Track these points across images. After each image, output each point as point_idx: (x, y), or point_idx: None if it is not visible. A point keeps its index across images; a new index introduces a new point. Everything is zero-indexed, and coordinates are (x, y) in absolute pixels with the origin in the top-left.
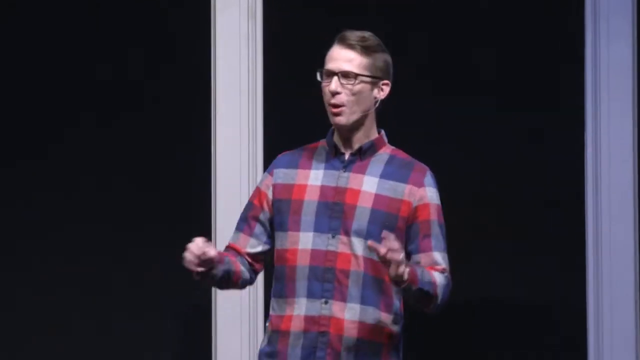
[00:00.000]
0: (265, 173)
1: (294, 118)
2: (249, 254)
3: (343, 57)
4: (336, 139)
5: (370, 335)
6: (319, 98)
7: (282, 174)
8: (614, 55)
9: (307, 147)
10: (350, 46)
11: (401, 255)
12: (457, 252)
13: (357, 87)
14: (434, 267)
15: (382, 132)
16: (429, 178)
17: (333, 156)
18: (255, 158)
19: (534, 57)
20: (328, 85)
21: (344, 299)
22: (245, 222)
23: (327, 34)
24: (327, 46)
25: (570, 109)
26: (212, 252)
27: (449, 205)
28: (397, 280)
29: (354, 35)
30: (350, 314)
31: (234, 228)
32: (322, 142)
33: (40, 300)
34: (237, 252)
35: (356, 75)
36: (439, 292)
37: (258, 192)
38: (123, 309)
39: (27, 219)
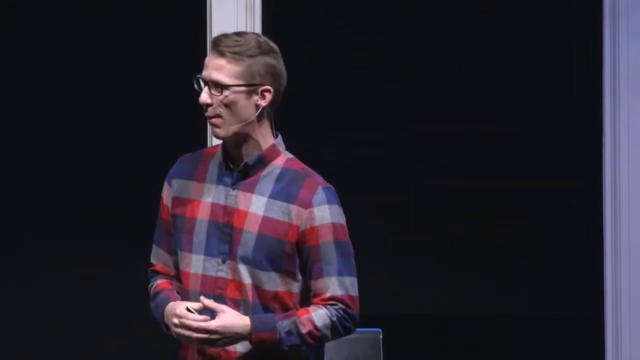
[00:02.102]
0: (165, 182)
1: (294, 114)
2: (175, 273)
3: (213, 65)
4: (227, 151)
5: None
6: (318, 95)
7: (178, 186)
8: (633, 54)
9: (205, 153)
10: (220, 53)
11: (214, 326)
12: (471, 264)
13: (229, 98)
14: (326, 302)
15: (277, 139)
16: (319, 196)
17: (224, 170)
18: None
19: (550, 57)
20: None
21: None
22: (162, 236)
23: (328, 29)
24: (329, 42)
25: (587, 111)
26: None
27: (463, 215)
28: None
29: (228, 40)
30: (243, 346)
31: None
32: (219, 149)
33: (62, 301)
34: (166, 275)
35: (226, 86)
36: (321, 334)
37: (162, 204)
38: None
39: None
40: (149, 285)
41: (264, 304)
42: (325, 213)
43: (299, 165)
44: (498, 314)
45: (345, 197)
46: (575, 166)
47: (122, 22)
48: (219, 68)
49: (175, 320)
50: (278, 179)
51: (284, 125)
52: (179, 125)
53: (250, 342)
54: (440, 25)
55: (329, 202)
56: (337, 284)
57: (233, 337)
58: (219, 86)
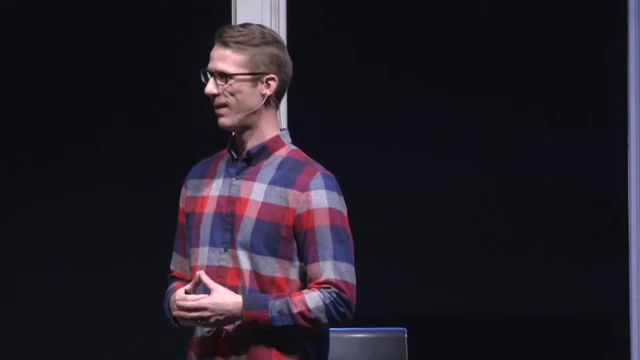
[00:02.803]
0: (183, 185)
1: (319, 115)
2: (189, 278)
3: (218, 56)
4: (233, 143)
5: (258, 355)
6: (345, 94)
7: (192, 186)
8: None
9: (219, 153)
10: (224, 43)
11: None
12: (495, 262)
13: (234, 86)
14: (319, 285)
15: (283, 131)
16: (317, 180)
17: (231, 163)
18: None
19: (573, 52)
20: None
21: None
22: (179, 241)
23: (354, 28)
24: (353, 40)
25: (612, 108)
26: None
27: (487, 213)
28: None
29: (231, 30)
30: (239, 331)
31: None
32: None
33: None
34: (183, 280)
35: (231, 75)
36: (313, 316)
37: (179, 208)
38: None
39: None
40: (167, 291)
41: (262, 290)
42: (322, 197)
43: (302, 155)
44: (522, 312)
45: (370, 198)
46: (600, 163)
47: (145, 22)
48: (223, 58)
49: (175, 305)
50: (279, 167)
51: (303, 123)
52: (202, 126)
53: (242, 320)
54: (465, 20)
55: (327, 188)
56: (331, 268)
57: (224, 314)
58: (224, 76)
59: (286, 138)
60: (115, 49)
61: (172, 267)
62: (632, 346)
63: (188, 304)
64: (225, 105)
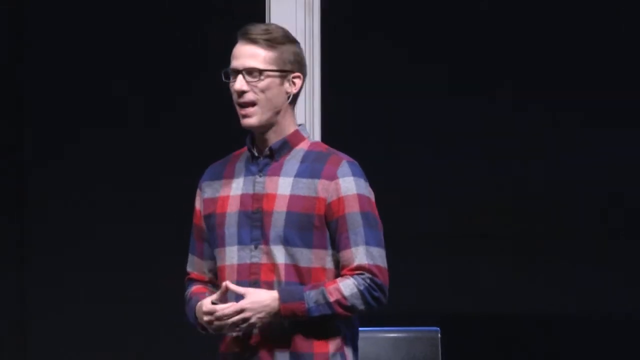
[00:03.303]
0: (197, 189)
1: (353, 117)
2: (210, 278)
3: (247, 53)
4: (253, 141)
5: (300, 346)
6: (379, 96)
7: (208, 188)
8: None
9: (233, 155)
10: (253, 41)
11: (231, 310)
12: (524, 264)
13: (264, 83)
14: (353, 271)
15: (300, 127)
16: (344, 168)
17: (251, 161)
18: None
19: (596, 53)
20: (234, 84)
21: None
22: (195, 243)
23: (389, 29)
24: (389, 41)
25: (632, 112)
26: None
27: (518, 216)
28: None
29: (256, 28)
30: (278, 326)
31: None
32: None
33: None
34: (201, 281)
35: (262, 71)
36: (349, 303)
37: (195, 210)
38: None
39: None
40: (184, 295)
41: (300, 282)
42: (350, 184)
43: (324, 146)
44: (554, 313)
45: (402, 200)
46: (623, 166)
47: (178, 21)
48: (253, 55)
49: (207, 318)
50: (303, 160)
51: (337, 121)
52: (235, 127)
53: (280, 314)
54: (512, 17)
55: (354, 175)
56: (364, 253)
57: (264, 310)
58: (255, 72)
59: (305, 132)
60: (143, 54)
61: (188, 269)
62: None
63: (227, 310)
64: (253, 103)
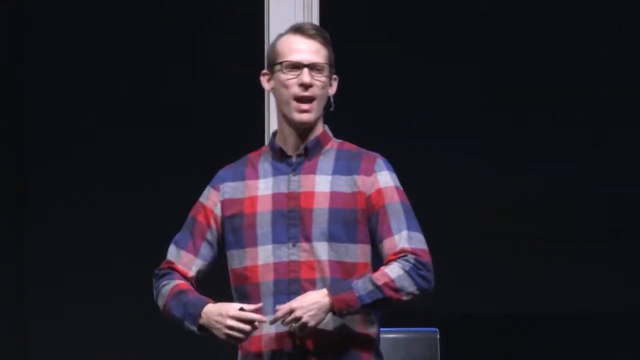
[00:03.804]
0: (208, 188)
1: (353, 116)
2: (194, 277)
3: (310, 49)
4: (280, 141)
5: (350, 343)
6: (379, 95)
7: (229, 189)
8: None
9: (249, 157)
10: (313, 37)
11: (296, 306)
12: (525, 264)
13: (324, 80)
14: (396, 256)
15: (326, 126)
16: (379, 164)
17: (279, 160)
18: None
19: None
20: (294, 78)
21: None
22: (190, 239)
23: (388, 26)
24: (388, 38)
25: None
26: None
27: (517, 215)
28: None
29: (311, 25)
30: (324, 324)
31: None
32: (265, 149)
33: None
34: (182, 276)
35: (324, 68)
36: (398, 285)
37: (203, 208)
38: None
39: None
40: (161, 283)
41: (344, 278)
42: (387, 178)
43: (351, 145)
44: (554, 313)
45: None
46: (622, 166)
47: (180, 21)
48: (317, 51)
49: (230, 322)
50: (337, 158)
51: (339, 119)
52: (235, 126)
53: (333, 308)
54: (510, 19)
55: (389, 169)
56: (406, 238)
57: (314, 307)
58: (318, 68)
59: (330, 132)
60: (135, 51)
61: (171, 258)
62: None
63: (279, 313)
64: (313, 99)
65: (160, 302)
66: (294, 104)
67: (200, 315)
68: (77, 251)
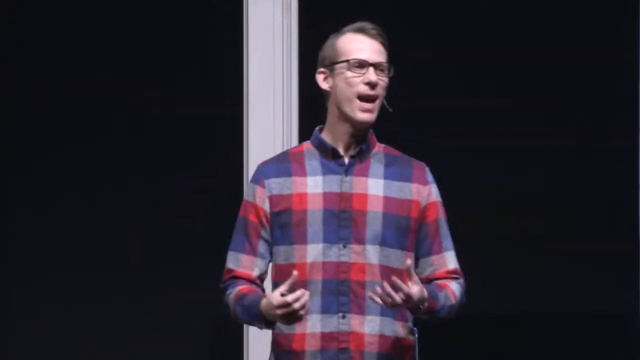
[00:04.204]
0: (252, 185)
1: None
2: (258, 277)
3: (374, 49)
4: (330, 139)
5: (391, 348)
6: None
7: (276, 184)
8: None
9: (291, 153)
10: (375, 37)
11: (417, 297)
12: (505, 264)
13: (386, 81)
14: (450, 274)
15: (371, 129)
16: (429, 174)
17: (329, 159)
18: None
19: (585, 56)
20: (360, 77)
21: (362, 312)
22: (246, 240)
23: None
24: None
25: (622, 111)
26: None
27: (497, 215)
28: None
29: (373, 26)
30: (369, 327)
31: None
32: (307, 145)
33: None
34: (247, 280)
35: (386, 68)
36: (457, 306)
37: (253, 207)
38: (150, 329)
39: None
40: (226, 294)
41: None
42: (437, 191)
43: (397, 151)
44: (532, 313)
45: None
46: (610, 165)
47: (154, 20)
48: (381, 52)
49: (280, 312)
50: (387, 163)
51: (317, 121)
52: (215, 126)
53: (422, 308)
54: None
55: (435, 182)
56: (454, 257)
57: (422, 300)
58: (381, 68)
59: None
60: (119, 50)
61: (231, 266)
62: None
63: (405, 289)
64: (376, 99)
65: (230, 312)
66: (358, 102)
67: (262, 314)
68: (61, 252)
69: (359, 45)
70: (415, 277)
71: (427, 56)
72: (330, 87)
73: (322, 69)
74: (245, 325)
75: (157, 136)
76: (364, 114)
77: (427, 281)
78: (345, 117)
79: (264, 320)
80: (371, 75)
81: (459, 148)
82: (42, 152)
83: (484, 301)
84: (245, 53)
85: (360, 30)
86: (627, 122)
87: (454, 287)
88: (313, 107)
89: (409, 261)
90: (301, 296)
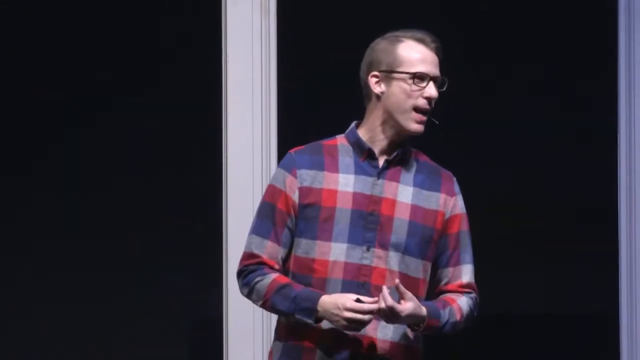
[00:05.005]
0: (283, 172)
1: (309, 117)
2: (281, 267)
3: (434, 61)
4: (369, 140)
5: (401, 355)
6: (335, 96)
7: (308, 176)
8: None
9: (325, 145)
10: (435, 50)
11: (407, 313)
12: (488, 263)
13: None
14: (462, 289)
15: None
16: (457, 185)
17: (363, 160)
18: (269, 158)
19: (564, 55)
20: (421, 90)
21: (377, 317)
22: (272, 227)
23: (344, 30)
24: (345, 42)
25: (602, 110)
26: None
27: (480, 214)
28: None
29: (432, 38)
30: (383, 333)
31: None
32: (341, 140)
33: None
34: (273, 268)
35: (441, 82)
36: (463, 321)
37: (283, 195)
38: (131, 321)
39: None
40: (254, 279)
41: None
42: (462, 203)
43: (426, 157)
44: (513, 312)
45: None
46: (590, 166)
47: (132, 23)
48: (438, 65)
49: (348, 314)
50: (418, 170)
51: (295, 123)
52: (194, 127)
53: (418, 327)
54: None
55: (461, 193)
56: (471, 271)
57: (413, 320)
58: (437, 82)
59: None
60: (95, 60)
61: (256, 251)
62: (621, 346)
63: (386, 308)
64: (430, 111)
65: (257, 298)
66: (414, 114)
67: (317, 308)
68: (44, 252)
69: (422, 57)
70: (409, 295)
71: None
72: (382, 92)
73: (376, 73)
74: (225, 324)
75: (138, 136)
76: (418, 125)
77: (439, 293)
78: (394, 124)
79: (314, 316)
80: (432, 90)
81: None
82: (42, 152)
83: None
84: (224, 55)
85: (422, 41)
86: (605, 122)
87: (462, 303)
88: (291, 109)
89: (397, 281)
90: (374, 310)
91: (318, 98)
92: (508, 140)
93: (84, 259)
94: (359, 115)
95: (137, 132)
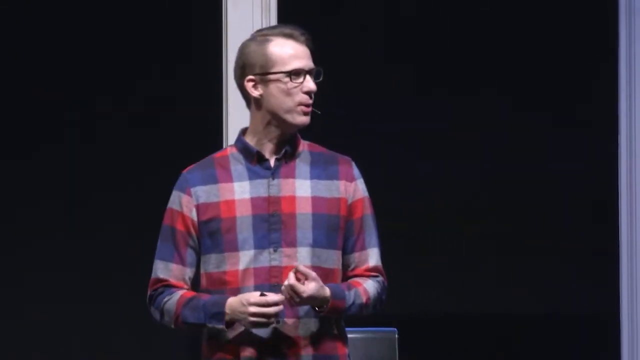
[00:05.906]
0: (178, 193)
1: (314, 117)
2: (189, 287)
3: (306, 54)
4: (255, 144)
5: (326, 347)
6: (336, 97)
7: (203, 192)
8: None
9: (215, 158)
10: (304, 42)
11: (309, 293)
12: (485, 263)
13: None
14: (369, 272)
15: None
16: (356, 169)
17: (254, 164)
18: None
19: (565, 54)
20: (299, 86)
21: (296, 315)
22: (174, 250)
23: (344, 30)
24: (347, 42)
25: (602, 108)
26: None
27: (477, 213)
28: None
29: (300, 31)
30: (304, 330)
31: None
32: (231, 149)
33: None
34: (182, 289)
35: (318, 72)
36: (371, 304)
37: (180, 216)
38: (131, 321)
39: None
40: (162, 300)
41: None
42: (363, 186)
43: (322, 148)
44: (513, 312)
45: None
46: (591, 164)
47: (134, 24)
48: (310, 57)
49: (253, 309)
50: (313, 162)
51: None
52: (195, 128)
53: (325, 309)
54: (449, 22)
55: (361, 176)
56: (377, 255)
57: (319, 299)
58: (313, 74)
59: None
60: (96, 61)
61: (162, 275)
62: (622, 346)
63: (289, 291)
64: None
65: (169, 318)
66: (298, 108)
67: (225, 311)
68: (33, 253)
69: (293, 53)
70: (312, 275)
71: (382, 55)
72: (260, 95)
73: (251, 77)
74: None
75: (138, 136)
76: (304, 117)
77: (347, 278)
78: (279, 124)
79: (224, 321)
80: (310, 84)
81: (433, 147)
82: (41, 151)
83: (463, 300)
84: (225, 55)
85: (291, 36)
86: (605, 119)
87: (369, 286)
88: None
89: (296, 263)
90: (280, 302)
91: (320, 100)
92: (508, 140)
93: (84, 259)
94: (351, 107)
95: (137, 132)
